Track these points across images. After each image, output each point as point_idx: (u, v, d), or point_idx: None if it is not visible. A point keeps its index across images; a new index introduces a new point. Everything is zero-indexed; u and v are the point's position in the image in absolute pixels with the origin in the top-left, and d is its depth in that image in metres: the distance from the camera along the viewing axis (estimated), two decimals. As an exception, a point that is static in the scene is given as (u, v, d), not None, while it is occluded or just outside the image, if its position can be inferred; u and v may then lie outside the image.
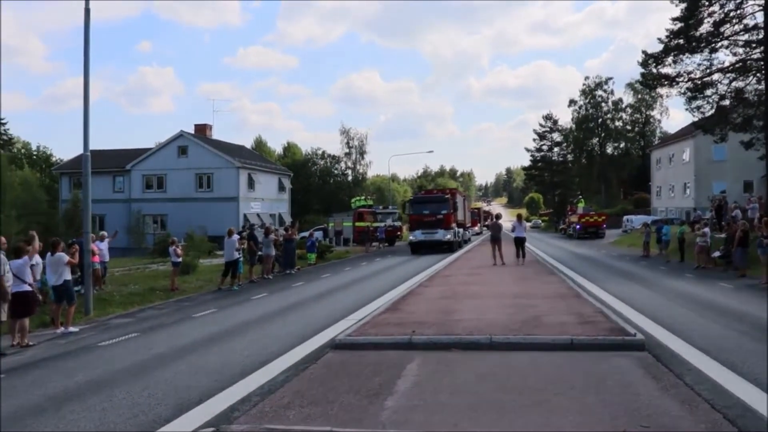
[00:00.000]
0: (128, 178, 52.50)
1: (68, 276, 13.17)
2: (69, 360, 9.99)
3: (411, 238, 36.79)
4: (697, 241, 24.43)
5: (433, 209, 36.03)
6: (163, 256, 32.12)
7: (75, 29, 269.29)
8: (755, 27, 31.25)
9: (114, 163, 52.31)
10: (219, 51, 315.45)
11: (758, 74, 31.68)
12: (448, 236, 35.49)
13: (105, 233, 21.20)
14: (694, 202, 52.28)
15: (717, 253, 23.44)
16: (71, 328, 12.85)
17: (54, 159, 79.35)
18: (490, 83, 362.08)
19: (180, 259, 20.86)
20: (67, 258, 13.15)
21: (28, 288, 11.58)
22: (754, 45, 31.49)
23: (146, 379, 8.20)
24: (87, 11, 15.74)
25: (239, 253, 20.97)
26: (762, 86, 31.45)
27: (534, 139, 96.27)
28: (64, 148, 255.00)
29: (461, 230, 41.59)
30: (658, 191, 66.93)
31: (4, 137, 76.43)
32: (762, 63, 30.99)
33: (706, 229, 24.50)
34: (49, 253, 13.09)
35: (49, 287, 13.41)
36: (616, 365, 7.73)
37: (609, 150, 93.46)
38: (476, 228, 68.00)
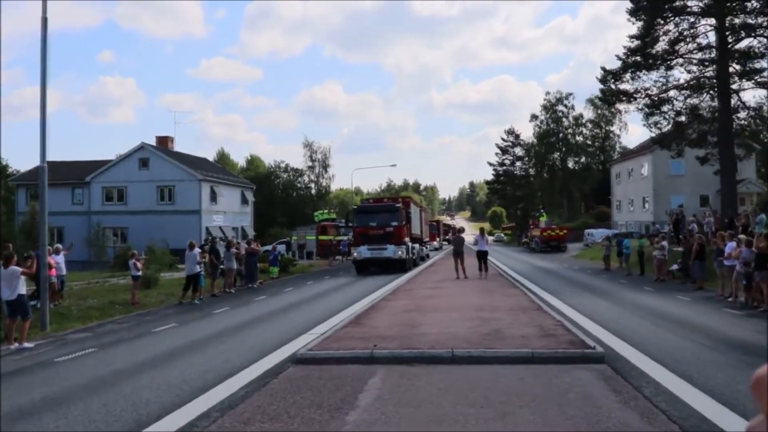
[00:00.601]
0: (88, 190, 51.55)
1: (23, 290, 12.87)
2: (23, 377, 9.74)
3: (355, 254, 31.49)
4: (654, 254, 24.88)
5: (381, 220, 30.55)
6: (124, 269, 31.54)
7: (33, 36, 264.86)
8: (708, 46, 32.25)
9: (73, 174, 51.38)
10: (182, 62, 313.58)
11: (712, 91, 32.64)
12: (400, 253, 30.13)
13: (60, 246, 20.76)
14: (653, 215, 53.31)
15: (675, 266, 23.91)
16: (26, 344, 12.54)
17: (10, 170, 77.53)
18: (452, 97, 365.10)
19: (140, 273, 20.54)
20: (20, 270, 12.86)
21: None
22: (707, 63, 32.47)
23: (104, 396, 8.03)
24: (44, 20, 15.45)
25: (200, 267, 20.73)
26: (716, 103, 32.38)
27: (496, 154, 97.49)
28: (21, 159, 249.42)
29: (417, 246, 36.36)
30: (618, 205, 68.09)
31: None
32: (715, 81, 31.92)
33: (664, 243, 24.97)
34: (2, 267, 12.78)
35: (2, 302, 13.07)
36: (576, 378, 7.82)
37: (570, 164, 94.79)
38: (435, 243, 62.39)
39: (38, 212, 16.77)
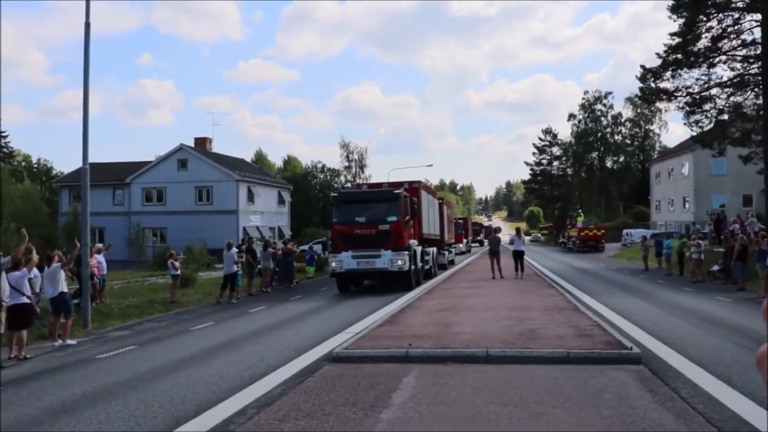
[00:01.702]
0: (128, 190, 52.51)
1: (65, 288, 13.19)
2: (66, 372, 9.99)
3: (333, 264, 21.97)
4: (691, 254, 24.45)
5: (372, 215, 21.44)
6: (163, 269, 32.05)
7: (76, 41, 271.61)
8: (753, 42, 31.47)
9: (114, 176, 52.39)
10: (219, 64, 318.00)
11: (756, 89, 31.86)
12: (400, 262, 21.14)
13: (101, 245, 21.16)
14: (694, 215, 52.32)
15: (716, 267, 23.48)
16: (69, 341, 12.85)
17: (54, 172, 79.57)
18: (489, 97, 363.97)
19: (178, 272, 20.83)
20: (60, 265, 13.18)
21: (26, 300, 11.60)
22: (751, 60, 31.71)
23: (143, 392, 8.20)
24: (87, 25, 15.84)
25: (238, 266, 21.00)
26: (760, 101, 31.62)
27: (533, 153, 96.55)
28: (65, 161, 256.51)
29: (433, 250, 27.89)
30: (657, 205, 66.98)
31: (5, 150, 76.86)
32: (760, 78, 31.16)
33: (699, 242, 24.55)
34: (46, 266, 13.14)
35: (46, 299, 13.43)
36: (612, 378, 7.74)
37: (608, 164, 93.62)
38: (461, 245, 51.68)
39: (81, 213, 17.16)
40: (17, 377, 9.71)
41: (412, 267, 22.03)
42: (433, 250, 27.80)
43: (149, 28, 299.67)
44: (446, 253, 33.83)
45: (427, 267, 25.89)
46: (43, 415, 7.30)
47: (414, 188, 24.48)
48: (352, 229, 21.45)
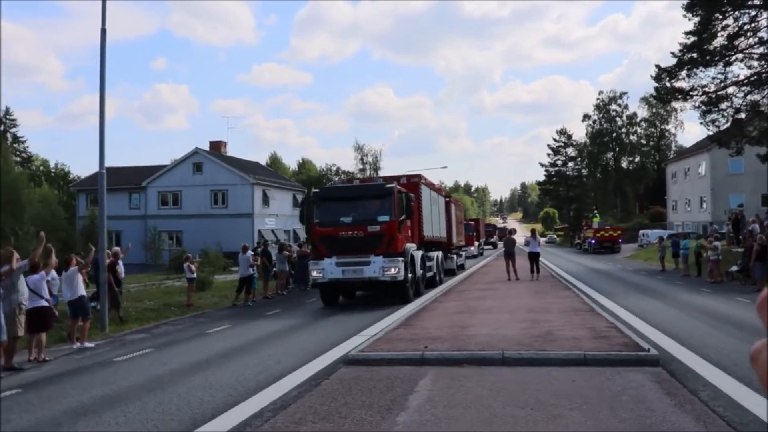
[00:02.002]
0: (144, 194, 52.81)
1: (83, 291, 13.30)
2: (84, 375, 10.06)
3: (314, 273, 18.69)
4: (708, 255, 24.23)
5: (359, 214, 18.34)
6: (179, 272, 32.18)
7: (92, 47, 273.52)
8: (770, 40, 31.15)
9: (130, 180, 52.69)
10: (233, 68, 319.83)
11: (773, 87, 31.53)
12: (393, 271, 17.80)
13: (118, 249, 21.25)
14: (711, 215, 51.88)
15: (735, 267, 23.25)
16: (87, 344, 12.96)
17: (71, 176, 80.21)
18: (503, 98, 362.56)
19: (194, 275, 20.91)
20: (77, 268, 13.30)
21: (44, 303, 11.70)
22: (769, 58, 31.38)
23: (160, 394, 8.24)
24: (103, 31, 15.98)
25: (253, 270, 21.07)
26: (778, 99, 31.31)
27: (548, 154, 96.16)
28: (82, 165, 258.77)
29: (437, 255, 24.83)
30: (674, 205, 66.49)
31: (24, 155, 77.79)
32: (777, 76, 30.86)
33: (717, 243, 24.31)
34: (64, 270, 13.26)
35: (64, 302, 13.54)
36: (630, 380, 7.67)
37: (624, 164, 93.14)
38: (472, 248, 47.39)
39: (98, 217, 17.28)
40: (36, 380, 9.79)
41: (410, 275, 18.80)
42: (437, 254, 24.92)
43: (164, 33, 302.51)
44: (454, 257, 30.78)
45: (429, 274, 22.70)
46: (62, 417, 7.36)
47: (413, 183, 21.25)
48: (336, 231, 18.19)
